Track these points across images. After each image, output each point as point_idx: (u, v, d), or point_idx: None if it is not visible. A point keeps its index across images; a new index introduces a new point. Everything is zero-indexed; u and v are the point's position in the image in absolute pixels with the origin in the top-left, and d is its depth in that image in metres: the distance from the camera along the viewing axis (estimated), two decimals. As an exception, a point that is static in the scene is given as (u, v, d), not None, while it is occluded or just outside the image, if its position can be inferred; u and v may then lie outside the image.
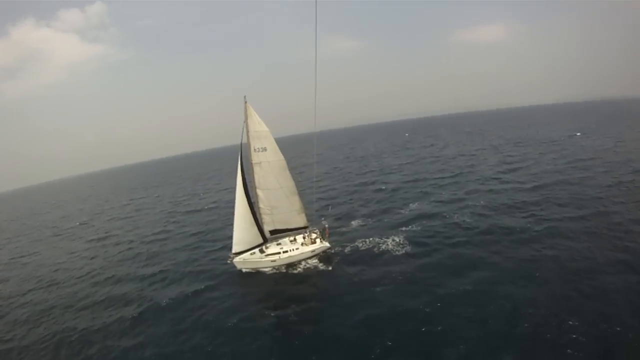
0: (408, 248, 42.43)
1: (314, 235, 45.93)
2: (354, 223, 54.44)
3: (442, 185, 70.31)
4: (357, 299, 33.09)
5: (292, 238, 46.30)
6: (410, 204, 59.78)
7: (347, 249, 44.67)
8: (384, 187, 76.17)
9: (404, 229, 48.86)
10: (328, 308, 33.18)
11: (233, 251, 43.63)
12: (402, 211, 56.94)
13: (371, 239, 46.53)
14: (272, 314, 33.28)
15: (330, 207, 56.42)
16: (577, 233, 40.43)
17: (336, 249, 44.93)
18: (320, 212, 56.92)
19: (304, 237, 46.01)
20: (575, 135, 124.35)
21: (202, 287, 40.40)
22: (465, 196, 59.96)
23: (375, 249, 43.59)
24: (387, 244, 44.35)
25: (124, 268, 51.92)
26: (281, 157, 42.16)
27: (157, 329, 33.37)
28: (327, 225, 47.45)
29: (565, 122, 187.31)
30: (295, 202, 44.38)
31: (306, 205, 46.66)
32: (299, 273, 41.46)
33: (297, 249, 44.28)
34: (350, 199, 70.38)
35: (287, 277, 41.25)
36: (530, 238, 40.69)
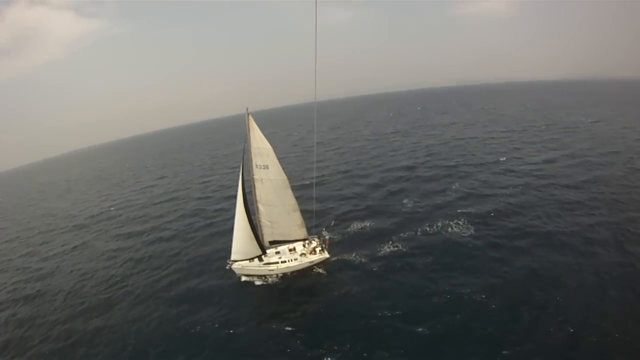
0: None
1: (314, 244, 45.80)
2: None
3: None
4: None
5: (291, 247, 46.18)
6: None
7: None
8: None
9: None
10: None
11: (232, 258, 44.05)
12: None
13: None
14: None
15: (333, 222, 55.65)
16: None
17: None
18: (326, 217, 57.95)
19: (303, 246, 46.00)
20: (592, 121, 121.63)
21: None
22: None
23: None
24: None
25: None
26: (283, 176, 40.73)
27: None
28: (327, 237, 47.73)
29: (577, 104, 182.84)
30: (297, 218, 43.84)
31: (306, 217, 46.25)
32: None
33: (295, 259, 44.38)
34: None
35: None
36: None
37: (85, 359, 35.49)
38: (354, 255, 45.22)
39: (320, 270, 43.59)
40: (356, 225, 53.50)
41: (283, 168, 41.31)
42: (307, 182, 76.81)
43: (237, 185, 41.22)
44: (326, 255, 44.57)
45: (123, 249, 61.58)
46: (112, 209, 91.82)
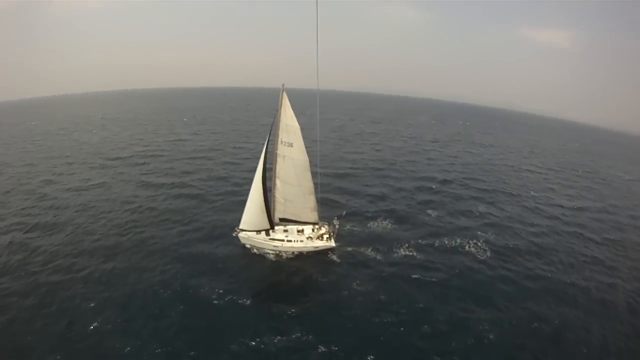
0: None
1: (322, 230, 46.06)
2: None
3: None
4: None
5: (300, 228, 46.60)
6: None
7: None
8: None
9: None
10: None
11: (240, 227, 44.68)
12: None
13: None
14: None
15: (345, 212, 56.04)
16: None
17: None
18: (346, 209, 58.19)
19: (312, 230, 46.34)
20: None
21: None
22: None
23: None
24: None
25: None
26: (306, 157, 40.78)
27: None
28: (337, 226, 48.33)
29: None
30: (311, 201, 44.06)
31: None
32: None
33: (301, 241, 44.86)
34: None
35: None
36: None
37: (81, 296, 35.85)
38: (369, 250, 45.61)
39: (334, 258, 44.06)
40: (378, 224, 53.71)
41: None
42: (340, 172, 78.56)
43: (260, 157, 41.53)
44: (332, 244, 44.88)
45: (144, 196, 62.10)
46: (142, 154, 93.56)
